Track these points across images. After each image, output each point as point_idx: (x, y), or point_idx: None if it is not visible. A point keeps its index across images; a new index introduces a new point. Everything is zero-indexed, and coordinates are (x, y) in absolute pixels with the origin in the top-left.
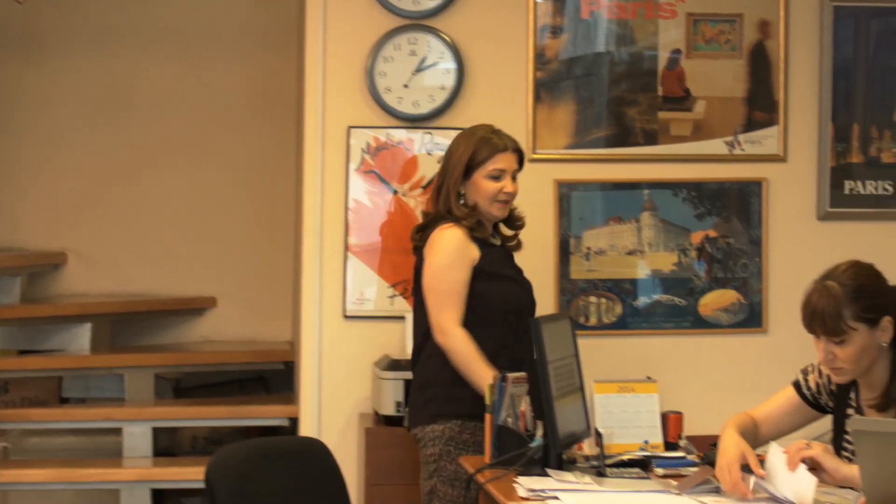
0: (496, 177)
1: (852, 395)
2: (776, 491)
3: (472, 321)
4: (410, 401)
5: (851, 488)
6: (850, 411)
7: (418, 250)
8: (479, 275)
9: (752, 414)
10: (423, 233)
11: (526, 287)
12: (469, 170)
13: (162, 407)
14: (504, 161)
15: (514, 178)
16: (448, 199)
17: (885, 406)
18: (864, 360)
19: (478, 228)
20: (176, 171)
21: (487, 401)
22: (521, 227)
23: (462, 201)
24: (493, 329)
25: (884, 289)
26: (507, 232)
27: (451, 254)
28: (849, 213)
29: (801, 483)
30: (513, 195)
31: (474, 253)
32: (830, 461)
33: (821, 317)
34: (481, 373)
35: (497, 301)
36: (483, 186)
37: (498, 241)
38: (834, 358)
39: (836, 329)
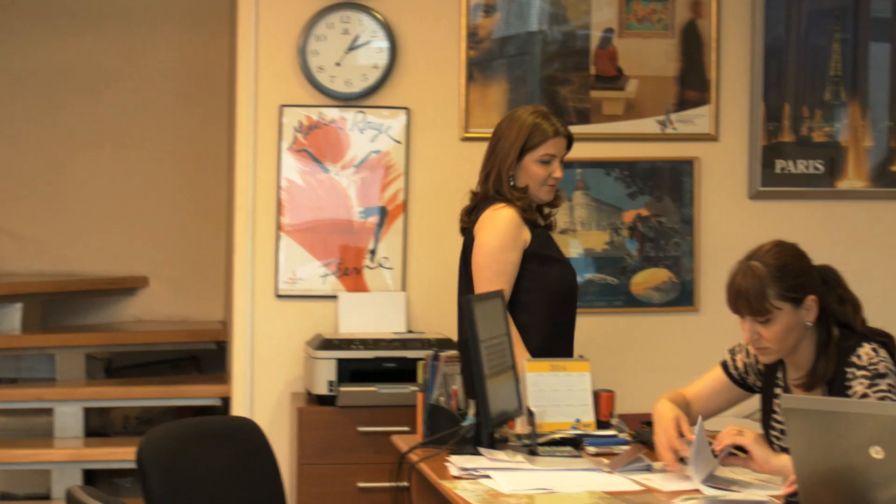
0: (546, 162)
1: (780, 374)
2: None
3: (528, 302)
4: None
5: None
6: (778, 391)
7: (466, 231)
8: (532, 257)
9: (684, 393)
10: (471, 215)
11: (570, 267)
12: (521, 154)
13: (93, 387)
14: (554, 147)
15: (562, 163)
16: (500, 181)
17: (811, 385)
18: (790, 340)
19: (529, 210)
20: (107, 151)
21: (420, 379)
22: (559, 205)
23: (512, 183)
24: (550, 310)
25: (807, 268)
26: (550, 210)
27: (504, 234)
28: (780, 192)
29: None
30: (559, 180)
31: (526, 235)
32: (760, 451)
33: (745, 297)
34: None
35: (552, 283)
36: (533, 171)
37: (542, 222)
38: (759, 338)
39: (761, 309)
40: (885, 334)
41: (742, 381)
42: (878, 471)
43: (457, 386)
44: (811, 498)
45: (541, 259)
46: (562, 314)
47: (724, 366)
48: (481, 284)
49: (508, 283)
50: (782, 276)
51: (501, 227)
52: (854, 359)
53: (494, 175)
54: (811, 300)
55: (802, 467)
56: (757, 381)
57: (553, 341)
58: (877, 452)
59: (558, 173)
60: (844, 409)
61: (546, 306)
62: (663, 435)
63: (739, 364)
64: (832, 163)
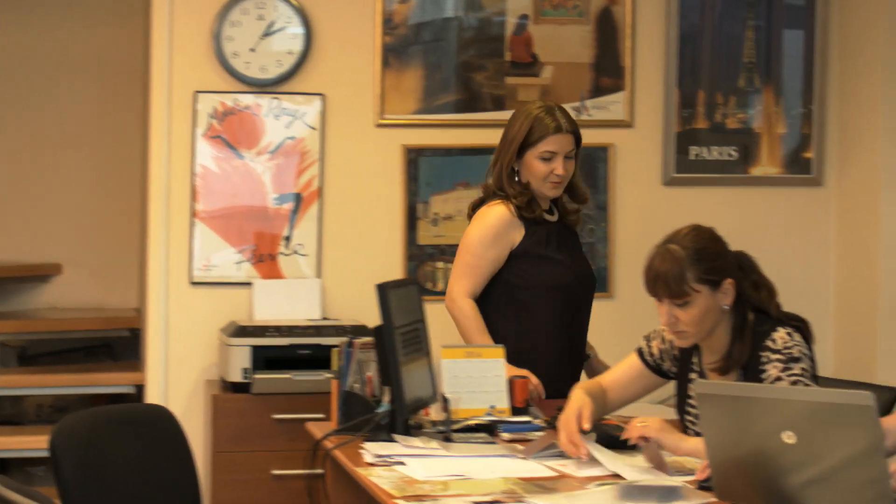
0: (547, 158)
1: (695, 359)
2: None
3: (520, 300)
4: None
5: None
6: (693, 375)
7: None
8: (523, 255)
9: (600, 381)
10: (477, 209)
11: (568, 265)
12: (522, 149)
13: (6, 375)
14: (555, 143)
15: (570, 158)
16: (500, 176)
17: (726, 369)
18: (707, 323)
19: (527, 207)
20: (19, 137)
21: (334, 366)
22: (584, 201)
23: (517, 178)
24: (545, 308)
25: (724, 252)
26: (573, 206)
27: (487, 231)
28: (694, 178)
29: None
30: (565, 177)
31: (515, 236)
32: (669, 439)
33: (664, 280)
34: (479, 343)
35: (544, 281)
36: (534, 167)
37: (555, 217)
38: (677, 321)
39: (679, 292)
40: (799, 319)
41: (657, 367)
42: (789, 456)
43: (371, 373)
44: (724, 483)
45: (533, 258)
46: (560, 313)
47: (640, 352)
48: (453, 269)
49: (479, 277)
50: (700, 259)
51: (487, 223)
52: (769, 343)
53: (498, 169)
54: (728, 284)
55: (715, 452)
56: (672, 366)
57: (555, 335)
58: (789, 437)
59: (560, 170)
60: (757, 394)
61: (541, 305)
62: (563, 430)
63: (655, 350)
64: (746, 149)
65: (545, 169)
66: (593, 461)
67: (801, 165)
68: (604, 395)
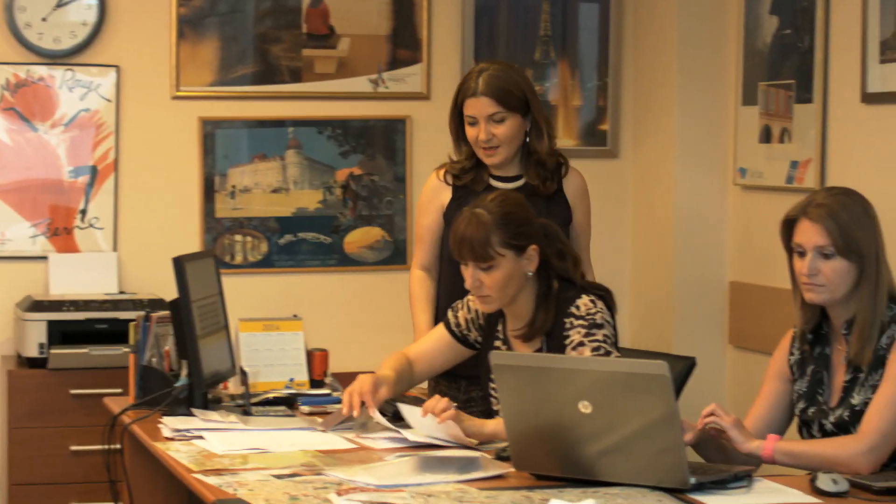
0: (472, 123)
1: (500, 327)
2: (419, 427)
3: (441, 269)
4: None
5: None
6: (498, 343)
7: None
8: (446, 222)
9: (407, 353)
10: None
11: None
12: (461, 113)
13: None
14: (473, 107)
15: (499, 122)
16: (454, 141)
17: (530, 336)
18: (511, 288)
19: (465, 174)
20: None
21: (131, 341)
22: (551, 169)
23: (463, 145)
24: (446, 276)
25: (530, 218)
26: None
27: (421, 200)
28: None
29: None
30: (493, 142)
31: (444, 199)
32: (469, 424)
33: (469, 243)
34: (416, 318)
35: (445, 249)
36: (467, 131)
37: (516, 184)
38: (481, 285)
39: (484, 255)
40: (603, 288)
41: (464, 338)
42: (586, 425)
43: (169, 347)
44: (522, 453)
45: (449, 223)
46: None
47: (447, 323)
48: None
49: (424, 246)
50: (506, 224)
51: (422, 193)
52: (573, 309)
53: (451, 135)
54: (533, 250)
55: (513, 423)
56: (478, 336)
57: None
58: (585, 407)
59: (481, 135)
60: (553, 364)
61: (445, 272)
62: (346, 396)
63: (462, 320)
64: None
65: (472, 134)
66: (392, 432)
67: (597, 138)
68: (410, 369)
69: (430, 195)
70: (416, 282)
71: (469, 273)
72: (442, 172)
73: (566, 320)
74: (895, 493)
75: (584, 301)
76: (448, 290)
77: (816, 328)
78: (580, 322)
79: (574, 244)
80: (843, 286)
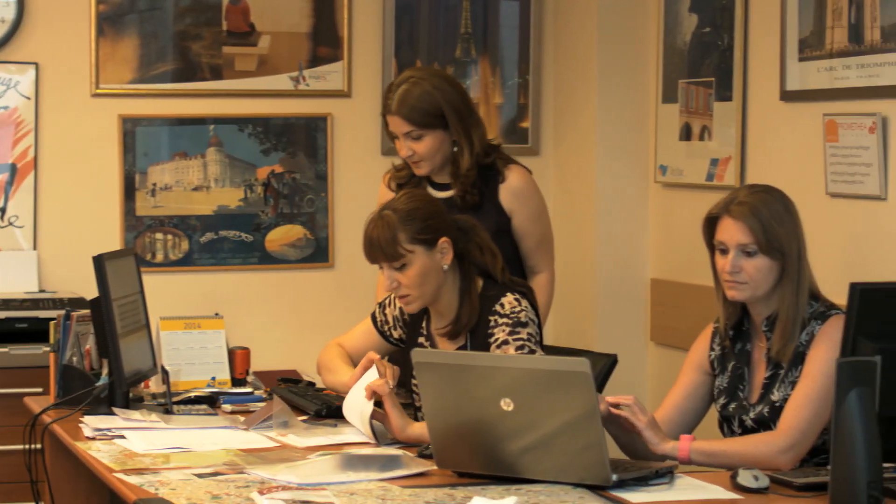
0: (394, 137)
1: (424, 324)
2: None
3: None
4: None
5: None
6: (422, 339)
7: None
8: None
9: (343, 345)
10: None
11: None
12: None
13: None
14: (391, 124)
15: (417, 139)
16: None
17: (455, 334)
18: (428, 285)
19: (409, 181)
20: None
21: (52, 340)
22: (472, 182)
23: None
24: None
25: (438, 212)
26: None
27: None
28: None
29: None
30: (416, 157)
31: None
32: (397, 413)
33: (378, 244)
34: None
35: None
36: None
37: (442, 194)
38: (399, 285)
39: (394, 254)
40: (526, 286)
41: (388, 334)
42: (508, 422)
43: (90, 345)
44: (444, 451)
45: None
46: None
47: (373, 318)
48: None
49: None
50: (412, 220)
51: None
52: (497, 307)
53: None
54: (444, 242)
55: (435, 421)
56: (402, 334)
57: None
58: (507, 405)
59: (403, 151)
60: (474, 361)
61: None
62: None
63: (389, 317)
64: None
65: (398, 147)
66: (317, 432)
67: (518, 135)
68: (350, 362)
69: (379, 201)
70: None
71: (386, 275)
72: (387, 178)
73: (491, 318)
74: (816, 489)
75: (508, 299)
76: None
77: (737, 324)
78: (504, 320)
79: (521, 246)
80: (766, 283)
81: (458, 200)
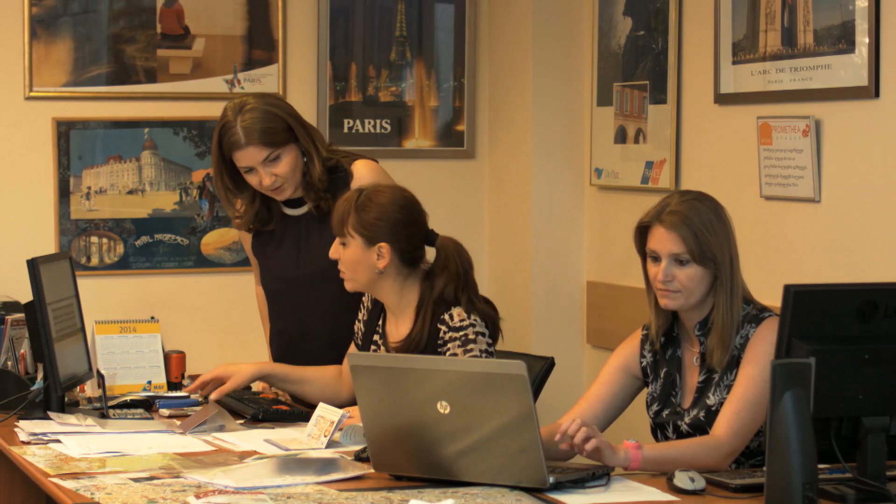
0: (248, 171)
1: (380, 322)
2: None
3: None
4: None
5: None
6: (377, 338)
7: None
8: (259, 260)
9: None
10: None
11: (282, 265)
12: (230, 162)
13: None
14: (245, 158)
15: (273, 161)
16: (222, 197)
17: (405, 350)
18: (360, 274)
19: (254, 222)
20: None
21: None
22: (324, 189)
23: (235, 191)
24: (272, 308)
25: (395, 218)
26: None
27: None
28: (348, 151)
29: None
30: (277, 183)
31: (246, 243)
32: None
33: (336, 216)
34: (266, 328)
35: (263, 283)
36: (247, 179)
37: (299, 211)
38: (340, 259)
39: (339, 229)
40: (487, 302)
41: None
42: (444, 425)
43: (24, 350)
44: (381, 454)
45: (260, 262)
46: (277, 319)
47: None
48: None
49: (256, 271)
50: (366, 210)
51: None
52: (445, 317)
53: (219, 191)
54: (383, 247)
55: (372, 425)
56: (359, 338)
57: (279, 350)
58: (443, 407)
59: (266, 180)
60: (411, 364)
61: (271, 305)
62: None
63: (359, 333)
64: (399, 122)
65: (254, 181)
66: (253, 436)
67: (453, 138)
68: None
69: (242, 243)
70: (261, 298)
71: (335, 244)
72: (239, 227)
73: (440, 327)
74: (752, 490)
75: (458, 311)
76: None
77: (668, 330)
78: (451, 334)
79: None
80: (698, 292)
81: (314, 212)
